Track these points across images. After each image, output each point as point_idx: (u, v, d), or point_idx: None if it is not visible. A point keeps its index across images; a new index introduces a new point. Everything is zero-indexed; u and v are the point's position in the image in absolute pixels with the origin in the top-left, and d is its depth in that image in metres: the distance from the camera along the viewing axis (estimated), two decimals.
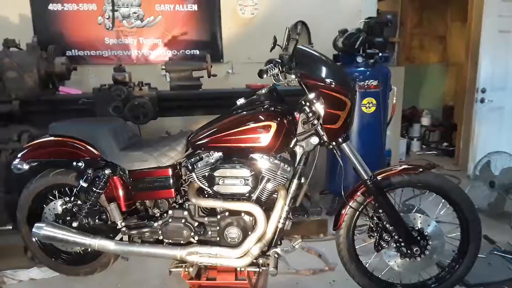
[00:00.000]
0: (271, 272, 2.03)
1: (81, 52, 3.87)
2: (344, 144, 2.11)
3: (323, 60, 2.08)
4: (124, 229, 2.26)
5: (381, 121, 3.63)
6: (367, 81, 3.54)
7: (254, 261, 2.18)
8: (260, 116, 2.05)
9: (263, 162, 2.12)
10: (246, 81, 3.58)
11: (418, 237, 2.18)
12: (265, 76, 1.96)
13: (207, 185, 2.14)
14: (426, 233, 2.19)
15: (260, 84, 2.91)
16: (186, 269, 2.29)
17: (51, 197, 2.42)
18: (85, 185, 2.22)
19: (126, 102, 2.99)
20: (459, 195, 2.18)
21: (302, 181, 2.29)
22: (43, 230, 2.22)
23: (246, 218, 2.15)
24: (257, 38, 4.02)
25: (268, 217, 2.13)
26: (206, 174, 2.13)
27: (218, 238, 2.19)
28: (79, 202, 2.29)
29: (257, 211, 2.10)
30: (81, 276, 2.47)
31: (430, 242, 2.19)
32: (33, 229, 2.22)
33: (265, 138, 2.03)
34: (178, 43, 4.01)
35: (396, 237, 2.18)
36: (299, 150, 2.15)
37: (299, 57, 2.05)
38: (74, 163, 2.23)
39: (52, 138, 2.27)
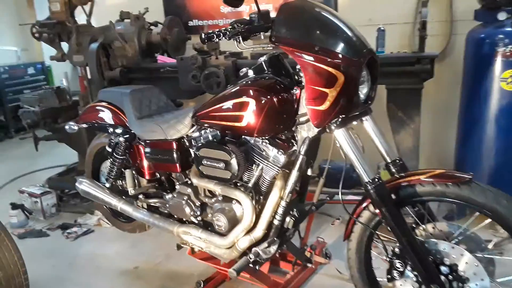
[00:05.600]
0: (230, 273, 1.73)
1: (200, 22, 4.01)
2: (338, 131, 1.59)
3: (309, 16, 1.58)
4: (141, 196, 2.30)
5: None
6: (510, 46, 2.59)
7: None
8: (238, 92, 1.73)
9: (253, 146, 1.81)
10: None
11: (449, 276, 1.50)
12: (207, 41, 1.61)
13: (196, 164, 1.95)
14: (462, 273, 1.48)
15: None
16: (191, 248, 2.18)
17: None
18: (109, 150, 2.32)
19: (203, 71, 2.99)
20: None
21: (309, 173, 1.87)
22: (82, 184, 2.43)
23: (236, 206, 1.88)
24: None
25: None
26: (194, 152, 1.94)
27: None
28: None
29: (244, 200, 1.80)
30: (125, 232, 2.65)
31: (468, 286, 1.48)
32: (76, 183, 2.47)
33: (244, 118, 1.70)
34: None
35: (410, 267, 1.55)
36: (300, 135, 1.74)
37: (280, 16, 1.61)
38: (109, 128, 2.35)
39: (97, 103, 2.43)
